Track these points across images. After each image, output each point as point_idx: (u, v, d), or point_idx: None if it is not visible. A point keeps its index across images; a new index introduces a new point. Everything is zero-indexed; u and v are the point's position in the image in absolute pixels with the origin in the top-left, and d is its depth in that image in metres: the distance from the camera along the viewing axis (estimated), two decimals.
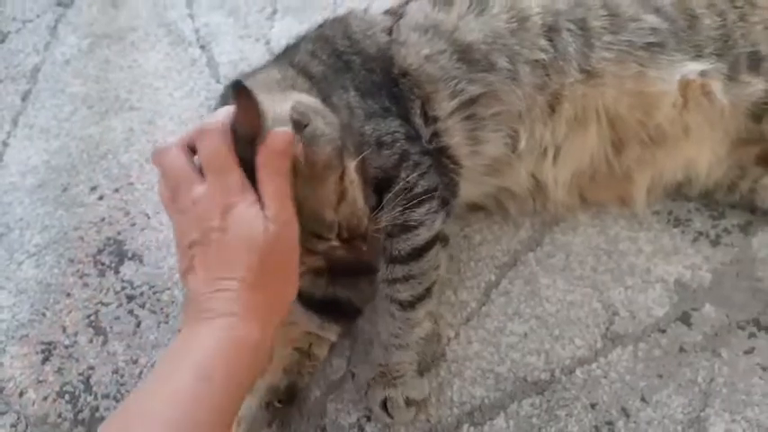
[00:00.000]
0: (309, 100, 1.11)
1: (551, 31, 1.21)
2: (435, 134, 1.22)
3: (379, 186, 1.17)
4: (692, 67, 1.20)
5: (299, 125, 0.99)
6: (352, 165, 1.07)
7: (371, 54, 1.23)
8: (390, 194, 1.15)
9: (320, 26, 1.34)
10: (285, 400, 1.25)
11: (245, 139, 0.94)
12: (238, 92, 0.92)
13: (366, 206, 1.10)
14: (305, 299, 1.31)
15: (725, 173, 1.30)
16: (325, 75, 1.21)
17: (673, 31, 1.21)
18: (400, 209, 1.15)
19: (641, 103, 1.22)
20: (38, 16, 1.93)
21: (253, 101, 0.92)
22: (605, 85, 1.21)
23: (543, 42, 1.20)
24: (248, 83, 1.10)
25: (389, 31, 1.26)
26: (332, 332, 1.31)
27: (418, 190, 1.16)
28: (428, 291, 1.19)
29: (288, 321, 1.32)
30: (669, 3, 1.22)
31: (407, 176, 1.15)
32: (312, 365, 1.30)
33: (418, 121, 1.21)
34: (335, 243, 1.05)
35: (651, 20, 1.21)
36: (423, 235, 1.17)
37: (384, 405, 1.21)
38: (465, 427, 1.23)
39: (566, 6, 1.22)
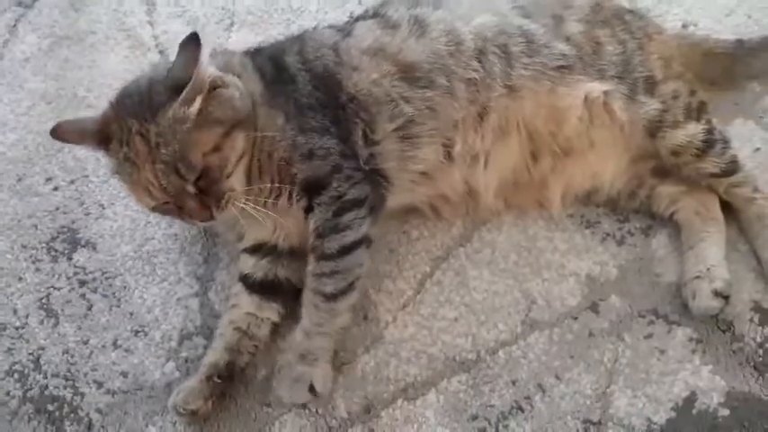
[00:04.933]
0: (236, 81, 1.30)
1: (480, 54, 1.38)
2: (372, 155, 1.37)
3: (309, 190, 1.33)
4: (596, 87, 1.39)
5: (213, 85, 1.21)
6: (240, 136, 1.25)
7: (319, 72, 1.37)
8: (323, 197, 1.31)
9: (282, 41, 1.49)
10: (225, 376, 1.34)
11: (176, 83, 1.18)
12: (190, 38, 1.18)
13: (240, 183, 1.27)
14: (247, 281, 1.43)
15: (626, 183, 1.50)
16: (273, 80, 1.36)
17: (580, 57, 1.40)
18: (332, 212, 1.31)
19: (553, 116, 1.41)
20: None
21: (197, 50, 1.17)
22: (524, 99, 1.39)
23: (474, 63, 1.38)
24: (215, 57, 1.32)
25: (335, 48, 1.40)
26: (271, 312, 1.42)
27: (348, 197, 1.32)
28: (351, 285, 1.32)
29: (230, 304, 1.44)
30: (577, 32, 1.42)
31: (338, 186, 1.31)
32: (252, 345, 1.39)
33: (359, 142, 1.36)
34: (191, 188, 1.20)
35: (561, 47, 1.40)
36: (349, 236, 1.31)
37: (292, 383, 1.31)
38: (399, 401, 1.35)
39: (491, 33, 1.40)
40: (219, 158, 1.22)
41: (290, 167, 1.31)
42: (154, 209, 1.26)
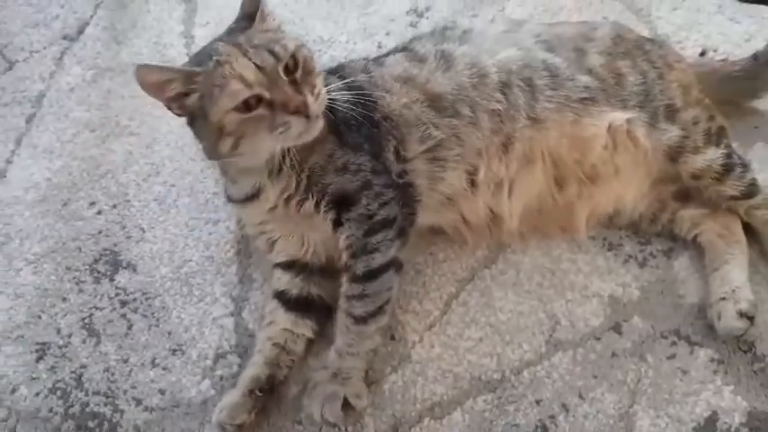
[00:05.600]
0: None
1: (505, 87, 1.44)
2: (404, 171, 1.42)
3: (338, 204, 1.37)
4: (619, 116, 1.44)
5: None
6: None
7: (355, 91, 1.42)
8: (352, 213, 1.36)
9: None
10: (266, 389, 1.40)
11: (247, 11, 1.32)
12: None
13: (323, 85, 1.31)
14: (282, 297, 1.49)
15: (647, 206, 1.53)
16: None
17: (603, 88, 1.45)
18: (362, 231, 1.36)
19: (578, 145, 1.45)
20: (44, 48, 2.09)
21: None
22: (548, 129, 1.44)
23: (498, 95, 1.43)
24: None
25: (369, 72, 1.47)
26: (306, 328, 1.47)
27: (378, 218, 1.37)
28: (380, 309, 1.37)
29: (266, 321, 1.50)
30: (599, 64, 1.47)
31: (368, 204, 1.36)
32: (290, 359, 1.45)
33: (391, 157, 1.41)
34: (286, 76, 1.24)
35: (584, 80, 1.45)
36: (378, 259, 1.36)
37: (324, 401, 1.36)
38: (426, 420, 1.39)
39: (516, 67, 1.45)
40: (308, 54, 1.30)
41: (323, 176, 1.36)
42: (245, 119, 1.24)
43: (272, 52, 1.24)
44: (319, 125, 1.28)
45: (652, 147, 1.45)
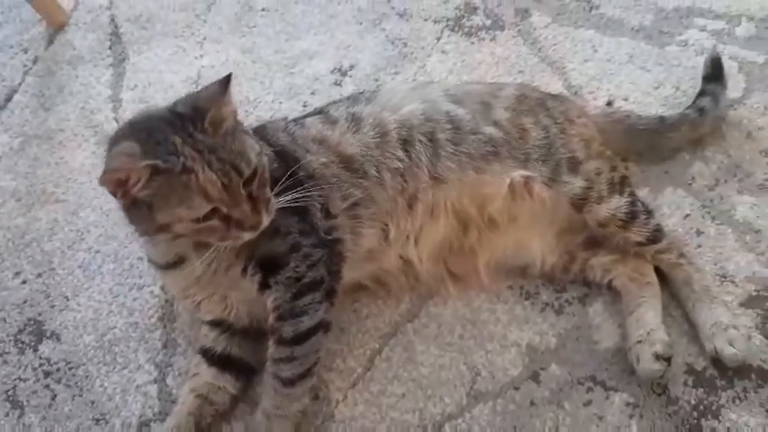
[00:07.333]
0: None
1: (406, 143, 1.49)
2: (333, 227, 1.45)
3: (265, 267, 1.38)
4: (520, 173, 1.50)
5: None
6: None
7: (279, 150, 1.46)
8: (280, 276, 1.37)
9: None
10: None
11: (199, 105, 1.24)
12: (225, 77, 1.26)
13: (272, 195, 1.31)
14: (206, 354, 1.50)
15: (557, 258, 1.58)
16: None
17: (507, 141, 1.51)
18: (290, 294, 1.37)
19: (478, 200, 1.50)
20: None
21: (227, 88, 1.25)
22: (450, 189, 1.49)
23: (400, 153, 1.48)
24: None
25: (291, 133, 1.51)
26: (228, 383, 1.48)
27: (306, 280, 1.38)
28: (308, 371, 1.38)
29: (191, 373, 1.51)
30: (504, 118, 1.53)
31: (297, 266, 1.37)
32: (213, 409, 1.46)
33: (318, 215, 1.43)
34: (244, 192, 1.23)
35: (489, 131, 1.50)
36: (306, 322, 1.37)
37: None
38: None
39: (418, 121, 1.50)
40: (265, 163, 1.29)
41: (252, 241, 1.34)
42: (197, 229, 1.24)
43: (236, 169, 1.22)
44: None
45: (553, 198, 1.50)
